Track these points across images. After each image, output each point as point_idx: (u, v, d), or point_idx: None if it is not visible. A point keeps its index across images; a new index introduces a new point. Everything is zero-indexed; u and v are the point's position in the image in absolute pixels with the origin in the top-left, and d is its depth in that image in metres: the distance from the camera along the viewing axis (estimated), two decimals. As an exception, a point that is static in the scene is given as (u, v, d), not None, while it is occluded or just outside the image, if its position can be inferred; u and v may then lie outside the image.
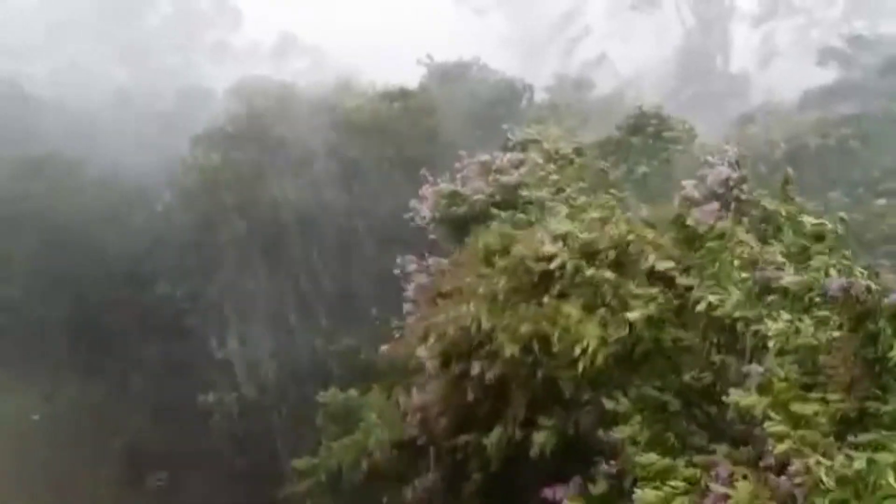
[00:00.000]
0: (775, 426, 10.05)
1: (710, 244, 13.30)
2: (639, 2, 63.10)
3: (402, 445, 17.37)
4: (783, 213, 14.48)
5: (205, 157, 33.68)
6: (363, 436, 24.16)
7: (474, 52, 44.12)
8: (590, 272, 12.92)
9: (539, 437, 12.99)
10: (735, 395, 10.80)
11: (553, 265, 13.16)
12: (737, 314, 12.14)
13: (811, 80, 48.81)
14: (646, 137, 24.24)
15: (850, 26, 57.85)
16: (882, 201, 30.82)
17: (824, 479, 9.37)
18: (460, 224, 18.28)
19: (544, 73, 45.92)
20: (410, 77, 41.56)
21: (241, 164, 33.57)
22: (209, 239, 33.41)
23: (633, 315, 12.49)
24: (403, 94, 37.25)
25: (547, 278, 13.26)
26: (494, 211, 17.57)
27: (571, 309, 12.72)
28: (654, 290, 12.74)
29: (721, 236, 13.44)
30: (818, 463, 9.50)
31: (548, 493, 12.49)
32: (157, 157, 39.94)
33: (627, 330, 12.46)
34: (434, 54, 45.67)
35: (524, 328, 12.80)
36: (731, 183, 15.11)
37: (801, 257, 13.27)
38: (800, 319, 11.57)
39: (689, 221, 13.83)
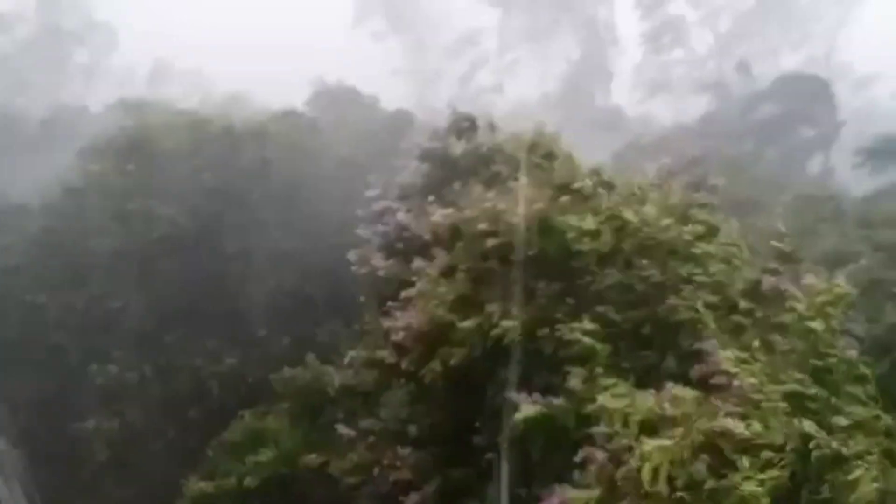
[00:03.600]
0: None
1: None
2: (532, 33, 64.89)
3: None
4: None
5: (91, 166, 32.62)
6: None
7: (369, 78, 44.46)
8: None
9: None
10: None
11: None
12: None
13: (686, 111, 51.47)
14: None
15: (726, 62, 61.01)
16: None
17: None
18: None
19: (438, 101, 46.64)
20: (297, 101, 41.38)
21: (122, 176, 32.41)
22: (86, 249, 32.06)
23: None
24: (286, 114, 37.00)
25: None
26: None
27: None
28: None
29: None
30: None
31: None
32: (29, 172, 38.37)
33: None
34: (325, 78, 45.80)
35: None
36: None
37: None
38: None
39: None
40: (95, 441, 29.88)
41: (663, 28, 66.18)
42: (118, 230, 31.93)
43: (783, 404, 12.60)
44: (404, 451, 18.05)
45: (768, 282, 15.13)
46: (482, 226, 16.35)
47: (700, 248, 15.67)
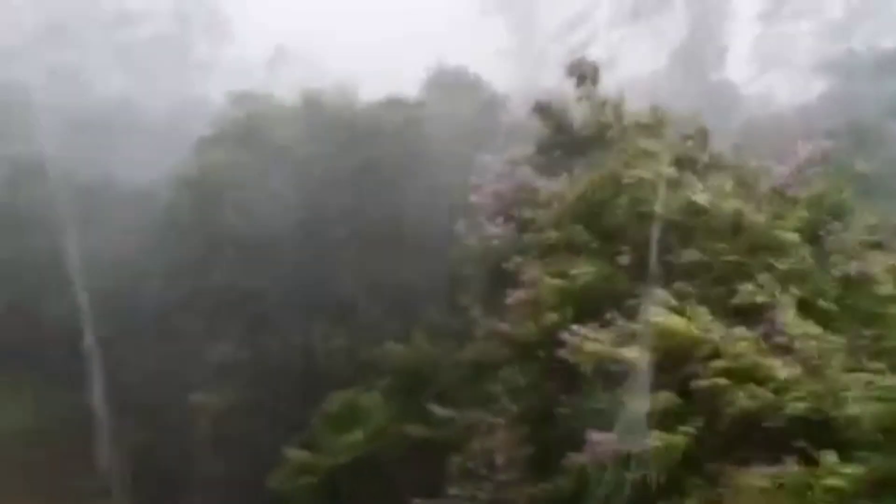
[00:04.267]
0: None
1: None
2: (642, 9, 63.14)
3: None
4: None
5: (207, 157, 33.84)
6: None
7: (474, 60, 44.16)
8: None
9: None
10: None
11: None
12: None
13: (805, 89, 48.99)
14: None
15: (848, 39, 58.00)
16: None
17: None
18: None
19: (545, 82, 45.85)
20: (409, 86, 41.54)
21: (243, 165, 33.38)
22: (210, 237, 33.29)
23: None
24: (398, 103, 37.22)
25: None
26: None
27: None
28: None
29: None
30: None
31: None
32: (152, 165, 40.06)
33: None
34: (434, 63, 45.85)
35: None
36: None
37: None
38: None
39: None
40: (205, 414, 31.30)
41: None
42: (235, 220, 32.91)
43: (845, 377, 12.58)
44: (499, 425, 18.41)
45: (855, 267, 14.91)
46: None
47: (789, 237, 15.75)
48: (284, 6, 62.88)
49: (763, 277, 14.73)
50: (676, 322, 13.77)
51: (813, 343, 13.07)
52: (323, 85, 40.56)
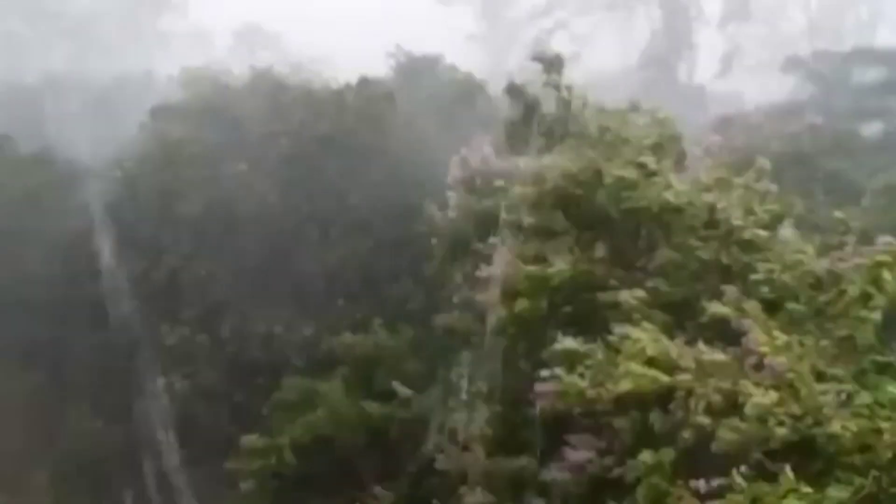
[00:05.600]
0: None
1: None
2: (611, 3, 63.11)
3: None
4: None
5: (166, 129, 32.39)
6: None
7: (441, 46, 43.53)
8: None
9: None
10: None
11: None
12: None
13: (771, 90, 49.19)
14: None
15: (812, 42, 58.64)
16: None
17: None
18: None
19: (511, 69, 45.35)
20: (375, 68, 40.72)
21: (202, 140, 32.24)
22: (165, 214, 32.00)
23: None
24: (369, 84, 36.34)
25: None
26: None
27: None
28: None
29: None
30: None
31: None
32: (96, 136, 38.68)
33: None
34: (402, 46, 45.05)
35: None
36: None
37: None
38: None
39: None
40: (160, 400, 30.25)
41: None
42: (195, 196, 31.77)
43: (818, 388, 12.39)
44: (459, 408, 18.40)
45: (821, 266, 14.58)
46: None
47: (760, 236, 15.61)
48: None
49: (730, 290, 14.36)
50: (650, 349, 13.11)
51: (783, 360, 12.62)
52: (284, 64, 39.69)
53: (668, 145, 20.22)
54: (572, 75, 20.23)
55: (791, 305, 14.29)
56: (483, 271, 17.48)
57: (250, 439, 25.70)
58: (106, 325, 32.26)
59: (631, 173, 16.28)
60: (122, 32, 61.76)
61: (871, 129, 41.32)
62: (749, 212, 16.31)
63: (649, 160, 16.63)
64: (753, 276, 14.87)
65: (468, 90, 37.92)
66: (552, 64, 20.13)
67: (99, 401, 31.48)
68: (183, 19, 63.80)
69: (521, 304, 16.56)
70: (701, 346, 13.27)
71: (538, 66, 20.29)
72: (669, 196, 15.92)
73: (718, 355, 13.05)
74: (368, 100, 34.31)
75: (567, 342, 14.44)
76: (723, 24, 64.10)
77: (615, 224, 16.69)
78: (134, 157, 34.19)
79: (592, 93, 20.25)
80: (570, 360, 14.15)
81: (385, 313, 27.86)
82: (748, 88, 56.32)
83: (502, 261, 17.15)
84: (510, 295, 16.82)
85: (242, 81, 35.68)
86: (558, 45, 60.68)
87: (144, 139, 33.89)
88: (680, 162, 18.93)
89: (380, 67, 39.85)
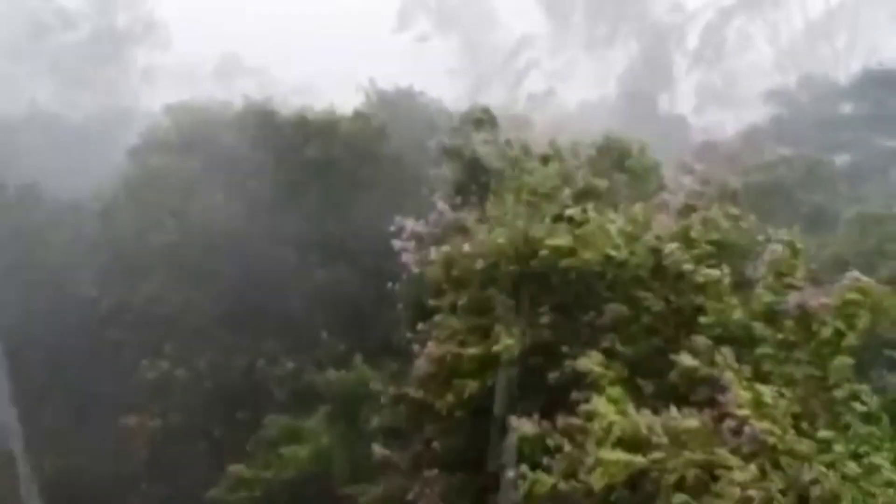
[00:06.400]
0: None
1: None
2: (591, 41, 63.92)
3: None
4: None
5: (150, 162, 32.44)
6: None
7: (420, 80, 43.90)
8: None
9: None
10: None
11: None
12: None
13: (748, 120, 49.81)
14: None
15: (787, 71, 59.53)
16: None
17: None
18: None
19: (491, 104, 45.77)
20: (354, 100, 41.01)
21: (182, 171, 32.24)
22: (146, 246, 31.91)
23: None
24: (353, 117, 36.46)
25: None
26: None
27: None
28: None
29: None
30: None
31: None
32: (79, 170, 38.58)
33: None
34: (379, 79, 45.35)
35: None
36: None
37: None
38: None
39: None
40: (138, 437, 29.88)
41: (725, 38, 64.93)
42: (176, 226, 31.71)
43: (799, 447, 11.87)
44: (432, 476, 17.77)
45: (792, 301, 13.91)
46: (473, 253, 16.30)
47: (706, 275, 14.74)
48: (230, 17, 62.14)
49: (699, 340, 13.67)
50: (619, 427, 12.39)
51: (765, 425, 11.90)
52: (269, 95, 39.81)
53: (645, 176, 20.32)
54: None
55: (760, 350, 13.62)
56: (426, 355, 16.96)
57: (238, 468, 25.73)
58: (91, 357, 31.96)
59: (565, 237, 15.54)
60: (105, 68, 61.96)
61: (843, 160, 41.97)
62: (698, 252, 15.40)
63: (575, 211, 16.13)
64: (705, 319, 14.09)
65: (447, 123, 38.00)
66: (482, 122, 20.69)
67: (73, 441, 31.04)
68: (166, 53, 64.11)
69: (470, 387, 15.99)
70: (673, 411, 12.56)
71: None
72: (610, 251, 15.22)
73: (691, 421, 12.27)
74: (356, 131, 34.42)
75: (525, 426, 13.77)
76: (697, 59, 65.20)
77: (555, 287, 16.07)
78: (114, 189, 34.00)
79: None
80: (531, 448, 13.53)
81: (367, 347, 27.66)
82: (727, 118, 57.11)
83: (445, 342, 16.63)
84: (454, 377, 16.25)
85: (227, 112, 35.68)
86: (538, 78, 61.39)
87: (125, 171, 33.76)
88: (656, 192, 18.91)
89: (360, 99, 40.00)
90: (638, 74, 60.85)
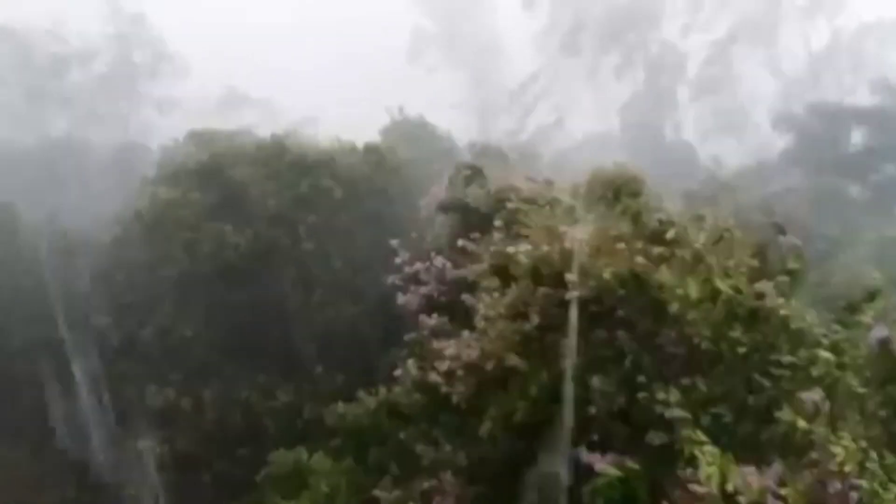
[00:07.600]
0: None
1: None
2: (596, 72, 64.16)
3: None
4: None
5: (161, 195, 32.66)
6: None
7: (429, 111, 44.17)
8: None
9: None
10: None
11: None
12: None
13: (756, 148, 49.83)
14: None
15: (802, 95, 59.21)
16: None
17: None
18: None
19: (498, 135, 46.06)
20: (363, 132, 41.16)
21: (197, 203, 32.30)
22: (156, 278, 32.11)
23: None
24: (357, 149, 36.58)
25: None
26: None
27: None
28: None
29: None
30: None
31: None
32: (96, 205, 39.00)
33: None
34: (390, 110, 45.65)
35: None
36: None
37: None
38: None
39: None
40: (143, 466, 29.56)
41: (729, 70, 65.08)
42: (184, 259, 31.74)
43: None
44: (450, 480, 16.64)
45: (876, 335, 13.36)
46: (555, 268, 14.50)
47: (785, 309, 13.65)
48: (234, 49, 62.77)
49: (808, 396, 12.32)
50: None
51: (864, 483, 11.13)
52: (278, 127, 40.07)
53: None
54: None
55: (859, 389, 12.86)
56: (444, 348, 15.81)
57: None
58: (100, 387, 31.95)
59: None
60: (116, 100, 62.66)
61: (856, 188, 41.83)
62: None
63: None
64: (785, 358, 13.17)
65: (453, 156, 38.11)
66: (472, 177, 20.76)
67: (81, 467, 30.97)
68: (177, 86, 64.71)
69: (511, 404, 14.54)
70: (777, 467, 11.72)
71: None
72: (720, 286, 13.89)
73: (799, 485, 11.42)
74: (357, 163, 34.50)
75: (610, 470, 12.87)
76: (701, 88, 65.35)
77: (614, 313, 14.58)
78: (126, 220, 34.24)
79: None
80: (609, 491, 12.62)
81: (373, 382, 27.39)
82: (733, 145, 57.16)
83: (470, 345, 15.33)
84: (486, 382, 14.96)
85: (237, 146, 35.89)
86: (545, 110, 61.59)
87: (136, 203, 33.85)
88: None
89: (367, 131, 40.19)
90: (643, 103, 61.03)
